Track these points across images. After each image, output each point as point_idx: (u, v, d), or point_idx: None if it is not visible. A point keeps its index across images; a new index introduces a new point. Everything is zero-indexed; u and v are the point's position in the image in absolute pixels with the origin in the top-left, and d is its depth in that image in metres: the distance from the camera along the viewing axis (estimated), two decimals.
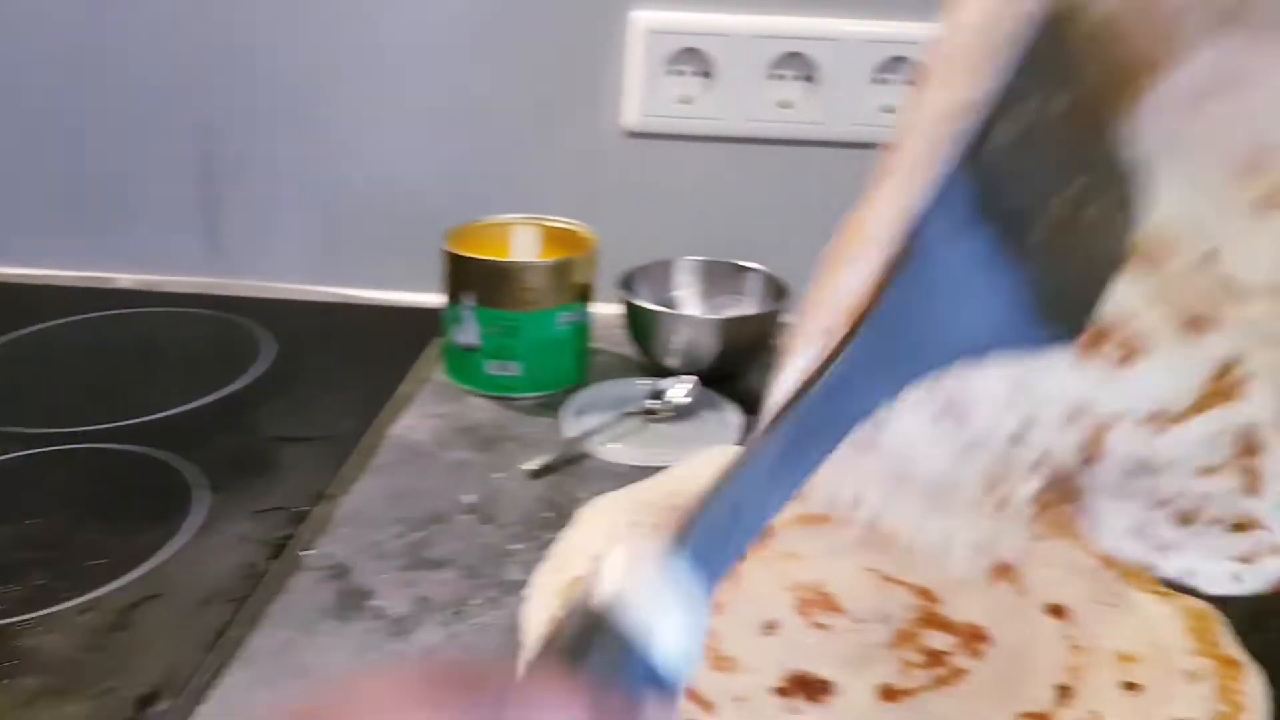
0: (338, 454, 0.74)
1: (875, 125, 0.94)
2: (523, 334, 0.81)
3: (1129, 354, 0.33)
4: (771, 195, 0.98)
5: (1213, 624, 0.50)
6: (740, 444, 0.78)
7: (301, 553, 0.64)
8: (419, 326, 0.92)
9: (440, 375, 0.87)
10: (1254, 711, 0.44)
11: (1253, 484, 0.31)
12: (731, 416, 0.81)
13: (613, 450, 0.77)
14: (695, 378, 0.83)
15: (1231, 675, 0.46)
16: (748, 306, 0.92)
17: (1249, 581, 0.31)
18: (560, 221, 0.88)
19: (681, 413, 0.81)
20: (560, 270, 0.81)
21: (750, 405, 0.83)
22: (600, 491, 0.71)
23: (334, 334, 0.95)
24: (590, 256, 0.84)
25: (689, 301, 0.94)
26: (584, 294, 0.84)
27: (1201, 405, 0.32)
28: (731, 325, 0.85)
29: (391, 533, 0.67)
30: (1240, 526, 0.31)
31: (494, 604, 0.60)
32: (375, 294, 1.02)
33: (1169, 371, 0.33)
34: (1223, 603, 0.56)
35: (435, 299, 0.85)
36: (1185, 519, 0.32)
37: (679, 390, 0.82)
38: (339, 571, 0.63)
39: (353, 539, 0.66)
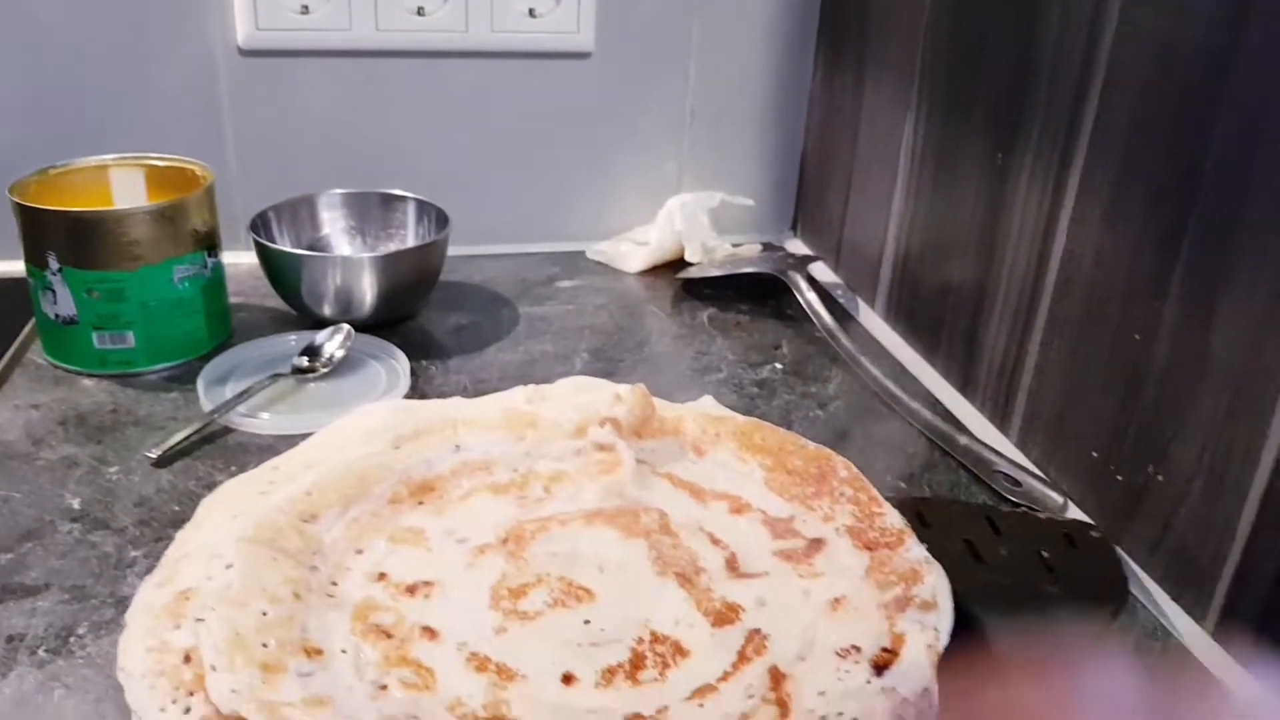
0: None
1: (519, 31, 0.86)
2: (131, 296, 0.68)
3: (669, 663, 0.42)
4: (414, 114, 0.89)
5: None
6: (413, 391, 0.70)
7: None
8: (7, 300, 0.75)
9: (40, 357, 0.72)
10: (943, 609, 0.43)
11: (783, 709, 0.39)
12: (399, 364, 0.73)
13: (260, 420, 0.66)
14: (348, 326, 0.73)
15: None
16: (404, 240, 0.83)
17: None
18: (167, 159, 0.75)
19: (340, 367, 0.72)
20: (167, 215, 0.68)
21: (418, 349, 0.75)
22: (243, 469, 0.60)
23: None
24: (206, 196, 0.71)
25: (338, 240, 0.83)
26: (206, 241, 0.71)
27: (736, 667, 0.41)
28: (387, 263, 0.75)
29: None
30: None
31: (108, 628, 0.49)
32: None
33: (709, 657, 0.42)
34: None
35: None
36: None
37: (334, 342, 0.72)
38: None
39: None
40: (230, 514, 0.46)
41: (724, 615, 0.43)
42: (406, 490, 0.50)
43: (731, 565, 0.47)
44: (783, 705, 0.39)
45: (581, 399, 0.56)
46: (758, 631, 0.42)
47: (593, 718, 0.39)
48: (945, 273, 0.76)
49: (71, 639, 0.49)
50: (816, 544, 0.47)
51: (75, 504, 0.58)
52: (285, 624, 0.40)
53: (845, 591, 0.43)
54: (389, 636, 0.41)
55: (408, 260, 0.76)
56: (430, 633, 0.42)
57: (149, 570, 0.53)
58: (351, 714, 0.36)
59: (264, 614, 0.40)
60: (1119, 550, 0.56)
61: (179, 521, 0.56)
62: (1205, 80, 0.51)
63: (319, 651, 0.40)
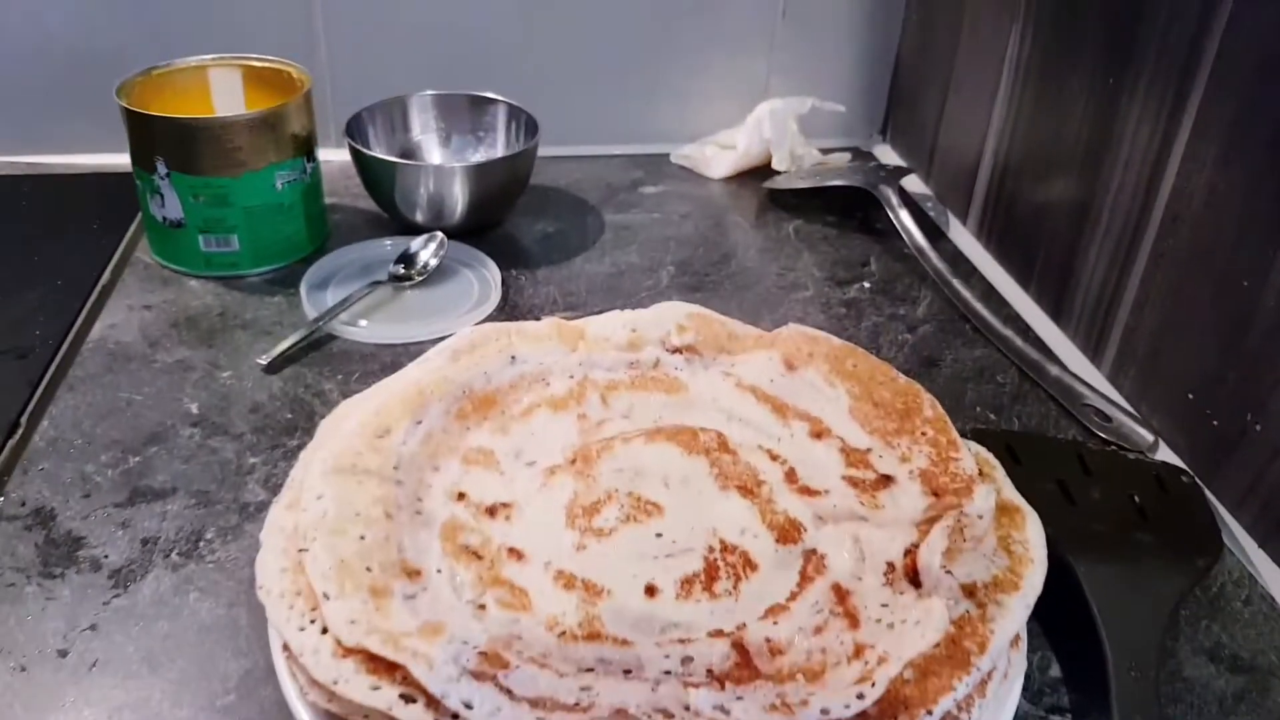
0: (27, 370, 0.62)
1: None
2: (234, 201, 0.69)
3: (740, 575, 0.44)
4: (503, 11, 0.87)
5: (992, 469, 0.49)
6: (505, 302, 0.71)
7: None
8: (116, 197, 0.77)
9: (148, 256, 0.75)
10: (1037, 561, 0.44)
11: (852, 621, 0.41)
12: (490, 273, 0.74)
13: (360, 329, 0.68)
14: (442, 235, 0.74)
15: (1013, 523, 0.46)
16: (493, 144, 0.83)
17: (870, 695, 0.37)
18: (264, 60, 0.75)
19: (434, 275, 0.73)
20: (269, 122, 0.69)
21: (507, 258, 0.76)
22: (349, 379, 0.63)
23: (3, 216, 0.79)
24: (305, 101, 0.72)
25: (428, 145, 0.83)
26: (305, 146, 0.72)
27: (801, 586, 0.43)
28: (479, 172, 0.76)
29: (102, 461, 0.57)
30: (856, 653, 0.39)
31: (234, 534, 0.53)
32: (53, 159, 0.85)
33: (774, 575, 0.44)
34: None
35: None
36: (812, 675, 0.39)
37: (428, 250, 0.73)
38: (41, 518, 0.53)
39: (54, 475, 0.56)
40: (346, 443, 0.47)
41: (787, 532, 0.45)
42: (470, 405, 0.51)
43: (791, 478, 0.48)
44: (851, 618, 0.41)
45: (628, 317, 0.57)
46: (814, 551, 0.44)
47: (678, 631, 0.41)
48: (1044, 193, 0.74)
49: (201, 543, 0.52)
50: (885, 480, 0.48)
51: (193, 408, 0.61)
52: (383, 546, 0.42)
53: (898, 536, 0.45)
54: (479, 558, 0.43)
55: (499, 169, 0.77)
56: (516, 554, 0.44)
57: (267, 478, 0.56)
58: (463, 636, 0.39)
59: (362, 538, 0.42)
60: (1209, 496, 0.57)
61: (291, 429, 0.59)
62: None
63: (418, 572, 0.42)
